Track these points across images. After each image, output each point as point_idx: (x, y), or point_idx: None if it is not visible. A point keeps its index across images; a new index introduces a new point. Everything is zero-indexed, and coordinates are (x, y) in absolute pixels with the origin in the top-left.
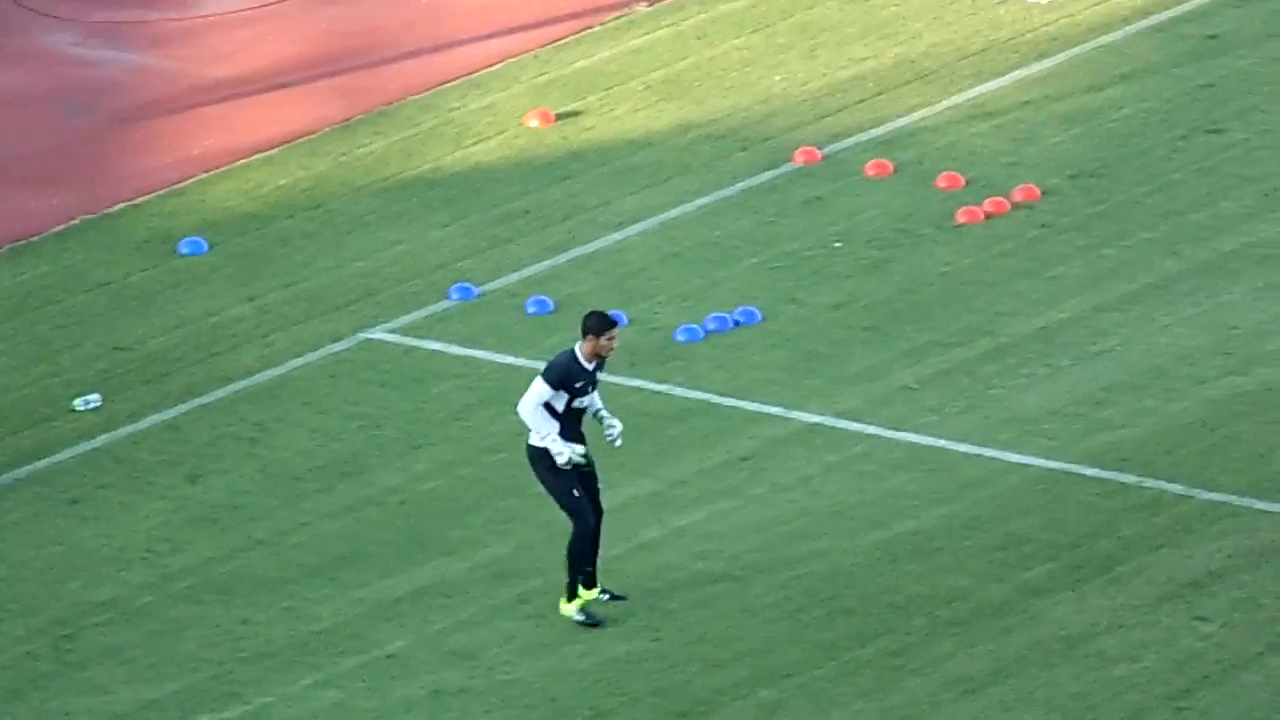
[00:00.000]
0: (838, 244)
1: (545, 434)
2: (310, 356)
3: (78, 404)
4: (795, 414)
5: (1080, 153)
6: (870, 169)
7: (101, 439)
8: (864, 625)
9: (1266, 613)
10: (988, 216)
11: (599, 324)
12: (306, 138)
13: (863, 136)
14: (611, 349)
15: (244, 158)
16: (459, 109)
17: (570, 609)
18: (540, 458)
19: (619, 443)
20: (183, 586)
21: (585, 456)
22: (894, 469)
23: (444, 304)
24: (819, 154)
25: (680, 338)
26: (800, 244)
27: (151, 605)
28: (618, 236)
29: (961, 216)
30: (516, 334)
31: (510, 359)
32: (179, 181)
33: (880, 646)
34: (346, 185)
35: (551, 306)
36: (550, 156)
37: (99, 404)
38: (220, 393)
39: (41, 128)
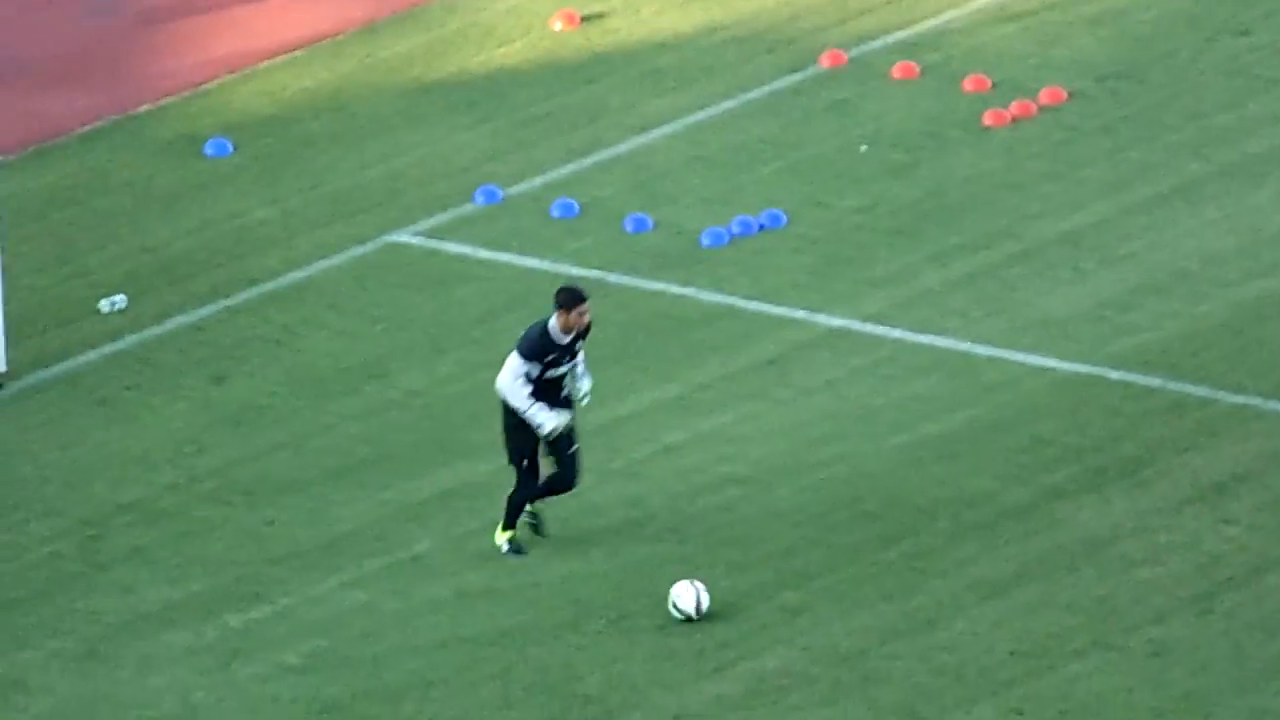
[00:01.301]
0: (863, 147)
1: (526, 408)
2: (335, 259)
3: (103, 305)
4: (820, 318)
5: (1107, 55)
6: (896, 71)
7: (127, 340)
8: (887, 528)
9: None
10: (1014, 119)
11: (568, 299)
12: (331, 39)
13: (889, 39)
14: (584, 323)
15: (268, 59)
16: (484, 11)
17: (500, 538)
18: (507, 412)
19: (584, 402)
20: (208, 488)
21: (570, 425)
22: (919, 372)
23: (468, 207)
24: (845, 56)
25: (705, 241)
26: (826, 147)
27: (177, 506)
28: (643, 140)
29: (988, 119)
30: (541, 237)
31: (534, 262)
32: (203, 83)
33: (903, 549)
34: (371, 87)
35: (576, 210)
36: (575, 59)
37: (124, 305)
38: (245, 295)
39: (66, 29)
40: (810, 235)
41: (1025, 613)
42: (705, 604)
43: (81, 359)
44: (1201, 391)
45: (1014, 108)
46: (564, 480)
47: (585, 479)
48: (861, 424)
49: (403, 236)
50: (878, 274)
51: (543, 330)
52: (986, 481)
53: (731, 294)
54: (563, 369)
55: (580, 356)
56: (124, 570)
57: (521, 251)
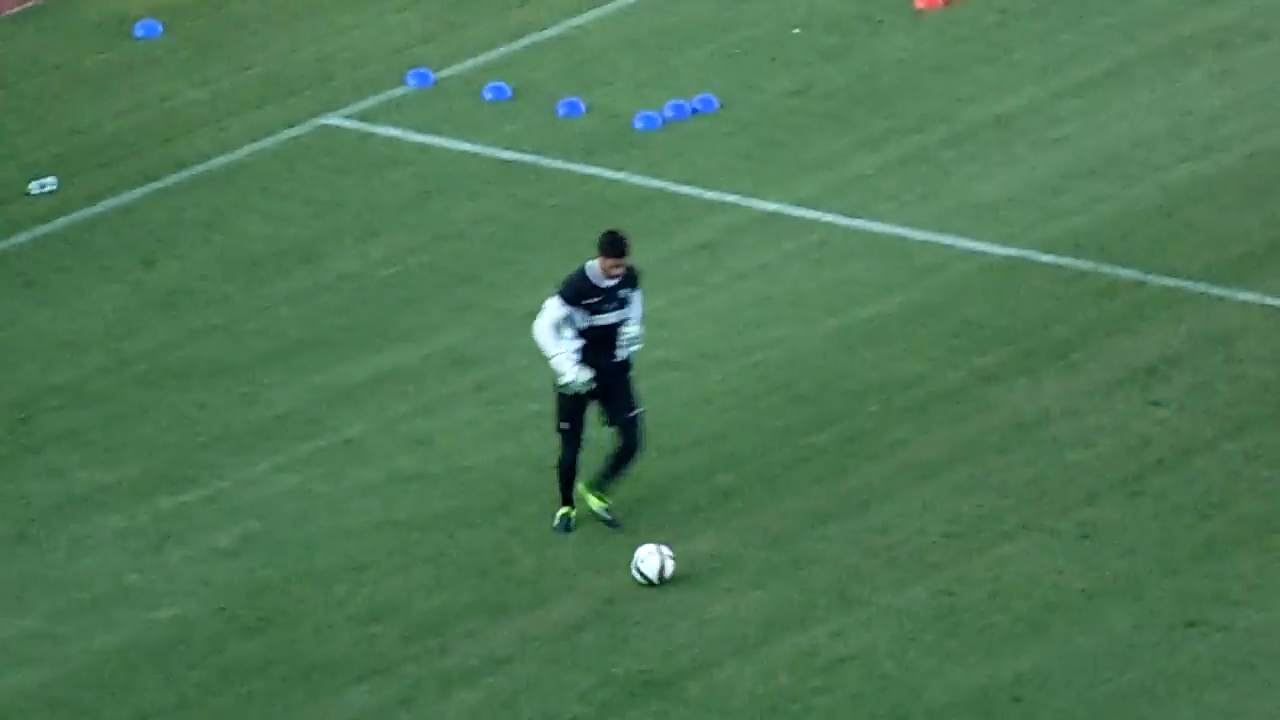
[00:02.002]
0: (796, 30)
1: (553, 352)
2: (266, 142)
3: (33, 187)
4: (753, 202)
5: None
6: None
7: (57, 223)
8: (819, 412)
9: (1220, 397)
10: (947, 3)
11: (606, 244)
12: None
13: None
14: (615, 276)
15: None
16: None
17: (594, 505)
18: (555, 376)
19: (632, 349)
20: (139, 370)
21: (594, 383)
22: (851, 256)
23: (400, 90)
24: None
25: (638, 125)
26: (759, 30)
27: (108, 389)
28: (576, 22)
29: (920, 2)
30: (473, 121)
31: (466, 146)
32: None
33: (835, 433)
34: None
35: (508, 93)
36: None
37: (54, 187)
38: (176, 177)
39: None
40: (742, 119)
41: (956, 495)
42: (670, 571)
43: (10, 241)
44: (1132, 274)
45: None
46: (626, 450)
47: (517, 361)
48: (794, 308)
49: (334, 119)
50: (810, 158)
51: (581, 272)
52: (918, 365)
53: (664, 178)
54: (610, 317)
55: (635, 310)
56: (54, 453)
57: (454, 135)
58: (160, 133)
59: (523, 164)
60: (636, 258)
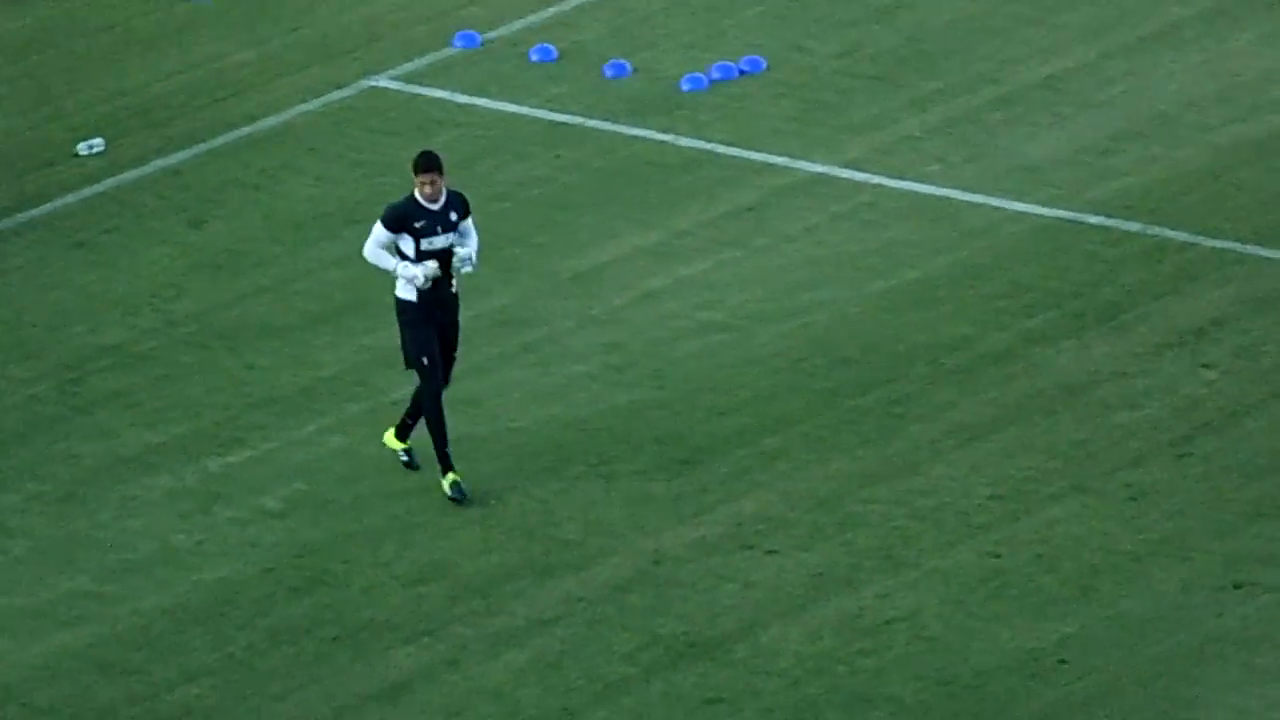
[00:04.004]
0: None
1: (390, 267)
2: (314, 103)
3: (81, 148)
4: (800, 164)
5: None
6: None
7: (105, 183)
8: (866, 373)
9: (1269, 359)
10: None
11: (415, 164)
12: None
13: None
14: (428, 194)
15: None
16: None
17: (445, 484)
18: (400, 310)
19: (466, 268)
20: (188, 331)
21: (440, 275)
22: (898, 218)
23: (447, 51)
24: None
25: (685, 86)
26: None
27: (157, 350)
28: None
29: None
30: (520, 82)
31: (513, 107)
32: None
33: (882, 395)
34: None
35: (555, 54)
36: None
37: (103, 148)
38: (224, 138)
39: None
40: (790, 81)
41: (1003, 457)
42: None
43: (59, 202)
44: (1181, 236)
45: None
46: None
47: (565, 323)
48: (841, 270)
49: (382, 81)
50: (858, 120)
51: (408, 197)
52: (965, 327)
53: (711, 140)
54: (440, 240)
55: (470, 233)
56: (103, 414)
57: (500, 97)
58: (208, 94)
59: (569, 126)
60: (684, 220)
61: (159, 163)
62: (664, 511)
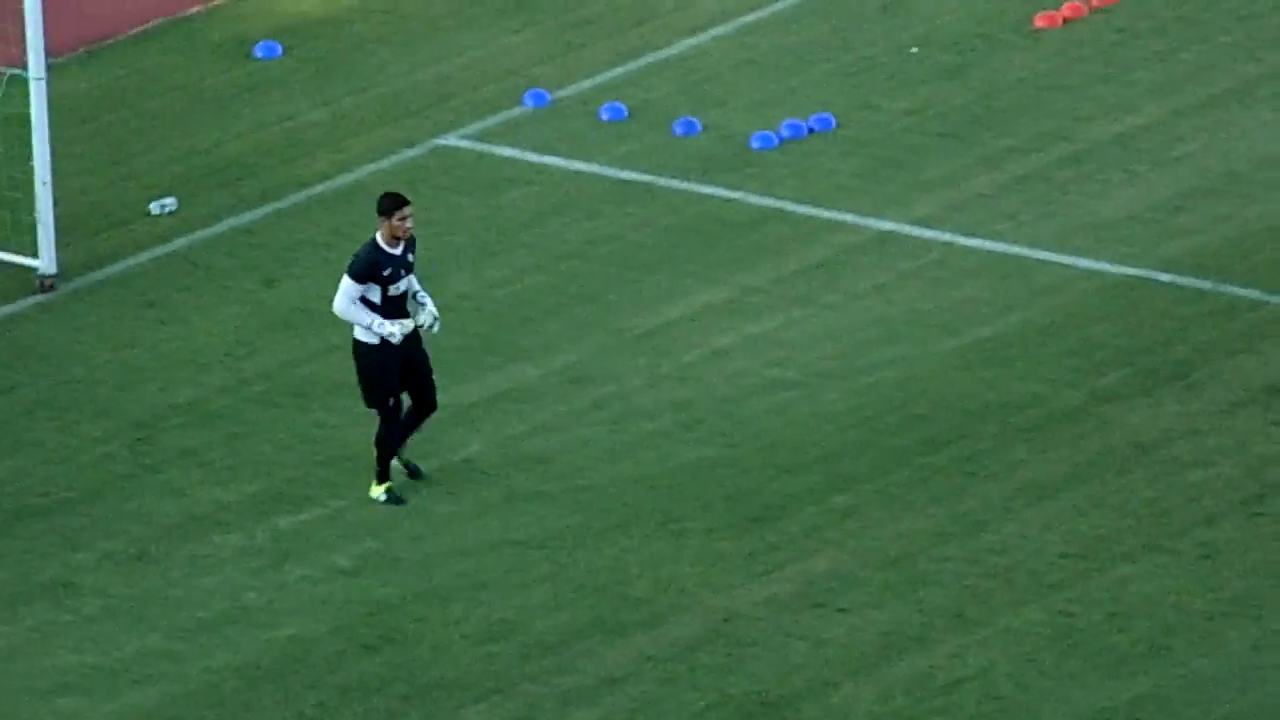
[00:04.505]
0: (914, 49)
1: (368, 323)
2: (384, 162)
3: (154, 207)
4: (870, 221)
5: None
6: None
7: (178, 242)
8: (937, 431)
9: None
10: (1066, 21)
11: (389, 204)
12: None
13: None
14: (407, 229)
15: None
16: None
17: (377, 491)
18: (364, 353)
19: (435, 328)
20: (259, 390)
21: (415, 329)
22: (969, 276)
23: (517, 110)
24: None
25: (754, 144)
26: (877, 49)
27: (228, 408)
28: (693, 42)
29: (1040, 21)
30: (590, 141)
31: (583, 166)
32: None
33: (953, 452)
34: None
35: (625, 113)
36: None
37: (175, 208)
38: (296, 197)
39: None
40: (860, 138)
41: (1075, 515)
42: None
43: (132, 261)
44: (1252, 294)
45: (1065, 9)
46: (425, 407)
47: (634, 380)
48: (911, 328)
49: (452, 140)
50: (928, 177)
51: (371, 246)
52: (1036, 385)
53: (781, 197)
54: (403, 284)
55: (413, 276)
56: (175, 472)
57: (570, 155)
58: (280, 153)
59: (639, 183)
60: (754, 277)
61: (231, 222)
62: (735, 569)
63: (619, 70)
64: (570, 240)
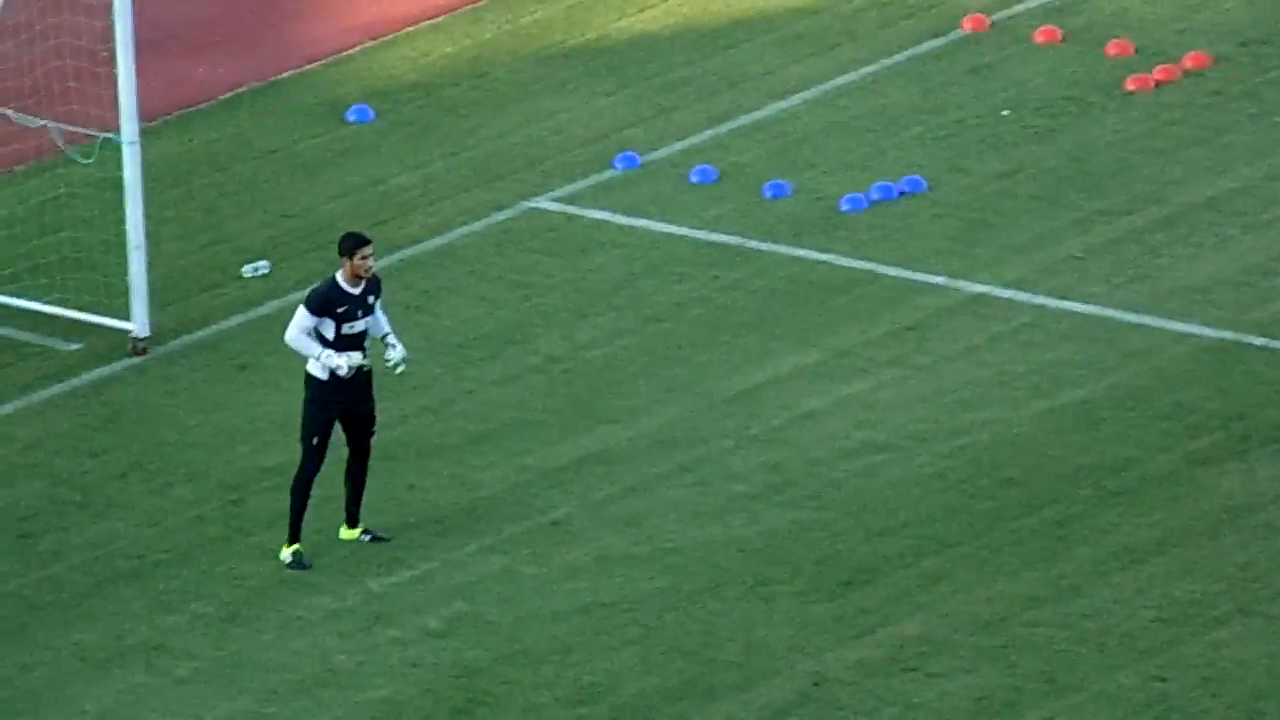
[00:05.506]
0: (1005, 112)
1: (315, 354)
2: (475, 225)
3: (246, 271)
4: (961, 284)
5: (1251, 20)
6: (1039, 36)
7: (269, 305)
8: (1029, 495)
9: None
10: (1158, 84)
11: (349, 244)
12: (472, 6)
13: (1032, 3)
14: (368, 268)
15: (410, 26)
16: None
17: (285, 553)
18: (310, 385)
19: (400, 369)
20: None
21: (364, 365)
22: (1060, 339)
23: (607, 173)
24: (987, 21)
25: (844, 207)
26: (967, 112)
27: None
28: (782, 105)
29: (1131, 84)
30: (679, 203)
31: (673, 229)
32: (346, 49)
33: (1045, 516)
34: (511, 53)
35: (715, 176)
36: (715, 24)
37: (267, 270)
38: (387, 260)
39: None
40: (951, 201)
41: (1168, 579)
42: None
43: (224, 324)
44: None
45: (1157, 72)
46: (360, 460)
47: (724, 443)
48: (1002, 390)
49: (542, 202)
50: (1019, 240)
51: (331, 282)
52: (1129, 448)
53: (871, 260)
54: (359, 325)
55: (379, 314)
56: (266, 534)
57: (660, 217)
58: (371, 216)
59: (729, 246)
60: (844, 340)
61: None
62: (825, 633)
63: (709, 133)
64: (660, 303)
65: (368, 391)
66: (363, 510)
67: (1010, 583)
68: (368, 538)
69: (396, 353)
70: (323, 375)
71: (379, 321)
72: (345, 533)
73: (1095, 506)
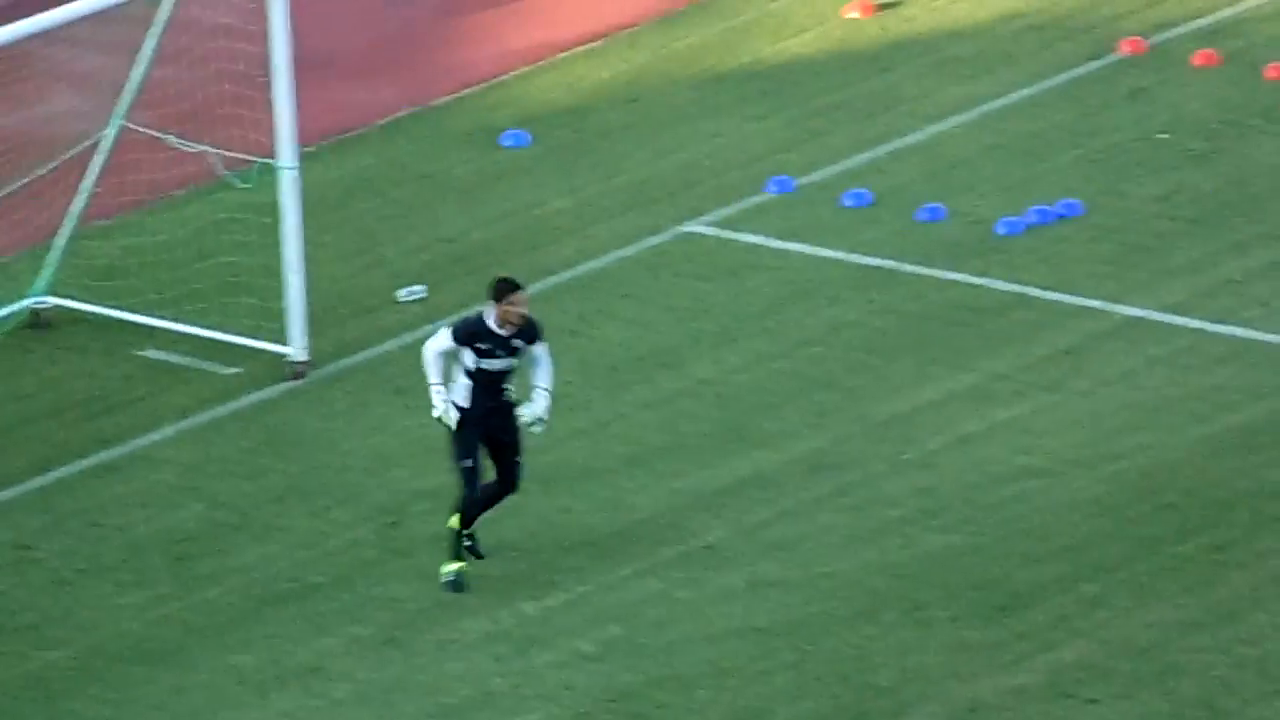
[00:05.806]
0: (1163, 135)
1: (430, 379)
2: (629, 249)
3: (402, 294)
4: (1118, 307)
5: None
6: (1197, 59)
7: (426, 330)
8: (1186, 520)
9: None
10: None
11: (500, 290)
12: (626, 30)
13: (1189, 26)
14: (518, 315)
15: (565, 51)
16: (778, 1)
17: (447, 569)
18: (462, 408)
19: (533, 428)
20: None
21: (515, 440)
22: (1218, 363)
23: (761, 196)
24: (1145, 44)
25: (1001, 230)
26: (1124, 135)
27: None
28: (937, 128)
29: None
30: (833, 227)
31: (827, 252)
32: (501, 74)
33: (1203, 541)
34: (665, 78)
35: (869, 199)
36: (869, 48)
37: (423, 295)
38: (542, 284)
39: (367, 21)
40: (1108, 224)
41: None
42: None
43: (381, 348)
44: None
45: None
46: (503, 492)
47: (878, 467)
48: (1160, 415)
49: (696, 226)
50: (1176, 263)
51: (479, 316)
52: None
53: (1027, 283)
54: (499, 364)
55: (544, 363)
56: (423, 557)
57: (814, 241)
58: (526, 240)
59: (882, 269)
60: (1000, 364)
61: (477, 309)
62: (980, 659)
63: (863, 156)
64: (813, 326)
65: (509, 422)
66: (515, 531)
67: (1167, 609)
68: (468, 543)
69: (528, 410)
70: (464, 401)
71: (538, 370)
72: (453, 520)
73: (1253, 531)
